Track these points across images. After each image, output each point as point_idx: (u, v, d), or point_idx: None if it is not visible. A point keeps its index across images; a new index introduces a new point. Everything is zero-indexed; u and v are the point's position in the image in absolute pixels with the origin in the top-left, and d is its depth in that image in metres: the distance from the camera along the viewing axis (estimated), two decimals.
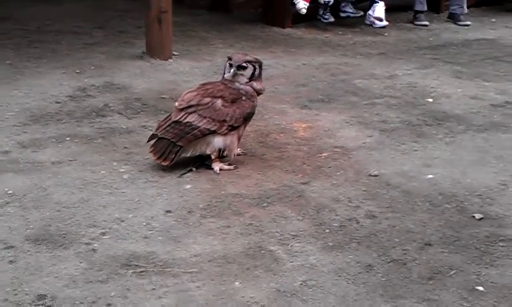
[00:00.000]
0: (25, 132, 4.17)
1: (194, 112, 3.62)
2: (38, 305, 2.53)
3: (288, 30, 7.23)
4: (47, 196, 3.36)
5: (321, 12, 7.33)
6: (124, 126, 4.33)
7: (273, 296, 2.63)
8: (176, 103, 3.70)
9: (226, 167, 3.75)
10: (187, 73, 5.55)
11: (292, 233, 3.10)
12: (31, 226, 3.07)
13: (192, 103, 3.64)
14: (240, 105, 3.67)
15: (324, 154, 4.01)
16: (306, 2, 7.00)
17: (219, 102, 3.63)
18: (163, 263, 2.82)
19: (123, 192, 3.44)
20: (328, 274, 2.79)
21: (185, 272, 2.76)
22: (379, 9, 7.47)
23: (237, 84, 3.72)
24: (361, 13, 7.74)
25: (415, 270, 2.84)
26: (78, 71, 5.45)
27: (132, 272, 2.75)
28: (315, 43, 6.79)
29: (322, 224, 3.19)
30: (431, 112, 4.79)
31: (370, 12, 7.55)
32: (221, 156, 3.76)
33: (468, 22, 7.88)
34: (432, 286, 2.73)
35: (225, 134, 3.65)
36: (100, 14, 7.60)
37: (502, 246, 3.04)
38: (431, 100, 5.07)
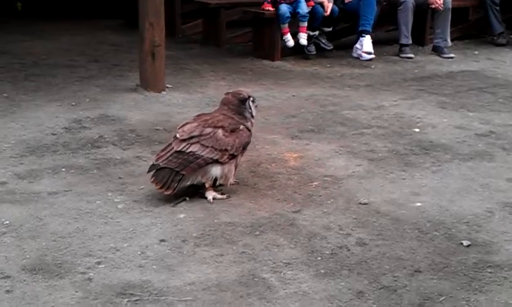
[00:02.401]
0: (21, 164, 4.15)
1: (197, 142, 3.62)
2: None
3: (277, 63, 7.27)
4: (43, 226, 3.33)
5: (307, 45, 7.35)
6: (118, 157, 4.32)
7: None
8: (177, 135, 3.68)
9: (219, 196, 3.74)
10: (180, 105, 5.55)
11: (285, 261, 3.08)
12: (27, 256, 3.04)
13: (195, 133, 3.65)
14: (239, 135, 3.71)
15: (315, 183, 4.01)
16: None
17: (220, 131, 3.65)
18: (158, 292, 2.79)
19: (118, 222, 3.42)
20: (320, 301, 2.77)
21: (179, 301, 2.73)
22: (366, 43, 7.52)
23: (247, 114, 3.81)
24: (332, 46, 7.81)
25: (406, 296, 2.83)
26: (73, 103, 5.45)
27: (127, 301, 2.72)
28: (304, 76, 6.83)
29: (313, 252, 3.18)
30: (418, 142, 4.80)
31: (357, 46, 7.60)
32: (216, 185, 3.75)
33: (452, 55, 7.95)
34: None
35: (224, 163, 3.65)
36: (95, 48, 7.63)
37: (490, 272, 3.03)
38: (417, 129, 5.08)
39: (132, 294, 2.76)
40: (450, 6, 8.02)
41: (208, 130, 3.65)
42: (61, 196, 3.71)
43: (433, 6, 7.94)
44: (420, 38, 8.27)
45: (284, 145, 4.69)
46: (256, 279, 2.92)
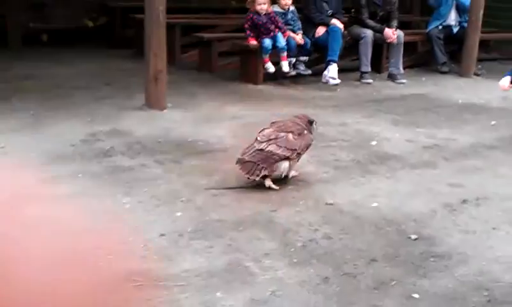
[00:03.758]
0: (45, 170, 4.11)
1: (274, 143, 3.87)
2: None
3: (260, 86, 7.26)
4: (62, 223, 3.30)
5: (287, 68, 7.34)
6: (126, 165, 4.29)
7: (248, 304, 2.60)
8: (258, 138, 3.94)
9: (273, 186, 3.92)
10: (179, 121, 5.53)
11: (264, 252, 3.08)
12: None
13: (272, 136, 3.91)
14: (305, 138, 4.01)
15: (290, 187, 4.01)
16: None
17: (290, 135, 3.93)
18: (157, 278, 2.78)
19: (124, 219, 3.40)
20: (292, 286, 2.77)
21: (176, 285, 2.72)
22: (332, 70, 7.54)
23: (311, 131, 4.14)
24: (310, 72, 7.79)
25: (363, 281, 2.83)
26: (89, 119, 5.42)
27: (132, 286, 2.70)
28: (282, 97, 6.82)
29: (288, 244, 3.18)
30: (375, 153, 4.81)
31: (325, 72, 7.61)
32: (282, 177, 3.99)
33: (404, 80, 7.97)
34: (377, 294, 2.72)
35: (292, 159, 3.92)
36: (108, 73, 7.59)
37: (433, 261, 3.05)
38: (375, 143, 5.09)
39: (135, 280, 2.75)
40: (402, 40, 8.05)
41: (282, 134, 3.92)
42: (78, 197, 3.69)
43: (389, 40, 7.99)
44: (377, 66, 8.29)
45: None
46: (240, 267, 2.91)
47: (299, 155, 3.97)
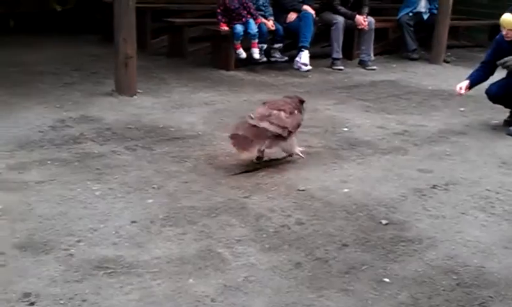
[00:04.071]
0: (13, 157, 4.04)
1: (267, 120, 3.95)
2: (24, 302, 2.45)
3: (232, 72, 7.23)
4: (31, 210, 3.26)
5: (258, 56, 7.32)
6: (96, 151, 4.24)
7: (220, 290, 2.61)
8: (252, 115, 4.00)
9: (300, 153, 4.22)
10: (149, 107, 5.48)
11: (236, 238, 3.08)
12: (18, 236, 2.97)
13: (265, 114, 4.00)
14: (295, 117, 4.12)
15: (262, 173, 4.01)
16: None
17: (282, 113, 4.02)
18: (129, 265, 2.76)
19: (95, 206, 3.36)
20: (265, 271, 2.78)
21: (147, 272, 2.71)
22: (304, 56, 7.55)
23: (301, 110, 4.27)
24: (286, 58, 7.79)
25: (335, 266, 2.86)
26: (58, 105, 5.33)
27: (103, 273, 2.69)
28: (253, 83, 6.81)
29: (260, 230, 3.19)
30: (346, 139, 4.84)
31: (297, 58, 7.62)
32: (283, 157, 4.21)
33: (375, 67, 8.03)
34: (348, 279, 2.75)
35: (286, 138, 4.04)
36: (77, 58, 7.47)
37: (403, 246, 3.09)
38: (346, 129, 5.13)
39: (107, 267, 2.73)
40: (373, 27, 8.09)
41: (275, 112, 4.01)
42: (47, 184, 3.63)
43: (360, 27, 8.02)
44: (348, 53, 8.33)
45: None
46: (212, 254, 2.91)
47: (290, 133, 4.06)
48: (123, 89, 5.76)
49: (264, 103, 4.23)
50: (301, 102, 4.31)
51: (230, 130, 4.04)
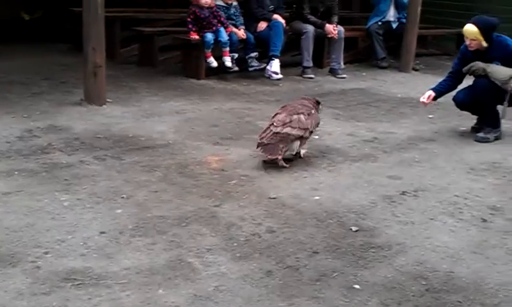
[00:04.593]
0: None
1: (289, 125, 4.22)
2: None
3: (202, 81, 7.22)
4: None
5: (230, 64, 7.31)
6: (65, 162, 4.19)
7: (191, 300, 2.59)
8: (274, 123, 4.27)
9: (284, 164, 4.30)
10: (119, 116, 5.43)
11: (207, 247, 3.06)
12: None
13: (286, 121, 4.24)
14: (313, 117, 4.41)
15: (233, 181, 4.00)
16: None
17: (302, 116, 4.29)
18: (98, 276, 2.73)
19: (63, 217, 3.31)
20: (235, 280, 2.77)
21: (116, 283, 2.68)
22: (275, 65, 7.57)
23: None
24: (264, 65, 7.77)
25: (306, 274, 2.86)
26: (26, 115, 5.25)
27: (71, 285, 2.65)
28: (224, 92, 6.81)
29: (231, 239, 3.17)
30: (317, 147, 4.86)
31: (268, 67, 7.64)
32: (296, 153, 4.44)
33: (345, 75, 8.09)
34: (319, 286, 2.76)
35: (305, 138, 4.34)
36: (46, 67, 7.37)
37: (373, 252, 3.11)
38: (316, 136, 5.12)
39: (75, 279, 2.69)
40: (343, 36, 8.16)
41: (295, 116, 4.27)
42: (14, 195, 3.57)
43: (330, 36, 8.08)
44: (319, 61, 8.37)
45: (207, 150, 4.66)
46: (182, 263, 2.89)
47: (310, 132, 4.39)
48: (92, 98, 5.70)
49: (283, 107, 4.48)
50: (318, 102, 4.61)
51: (257, 141, 4.30)
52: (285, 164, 4.27)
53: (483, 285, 2.84)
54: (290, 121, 4.25)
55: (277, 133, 4.21)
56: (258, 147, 4.26)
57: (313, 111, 4.43)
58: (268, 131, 4.26)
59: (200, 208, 3.54)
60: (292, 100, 6.46)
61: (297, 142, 4.32)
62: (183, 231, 3.23)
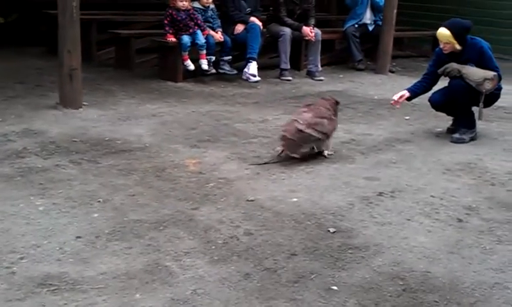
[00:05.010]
0: None
1: (313, 127, 4.46)
2: None
3: (180, 84, 7.19)
4: None
5: (207, 67, 7.29)
6: (40, 166, 4.14)
7: (168, 304, 2.57)
8: (299, 120, 4.47)
9: (330, 152, 4.69)
10: (95, 120, 5.39)
11: (184, 251, 3.05)
12: None
13: (311, 122, 4.47)
14: (333, 122, 4.66)
15: (211, 184, 3.99)
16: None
17: (325, 121, 4.55)
18: (74, 281, 2.69)
19: (38, 222, 3.27)
20: (213, 283, 2.76)
21: (93, 288, 2.65)
22: (252, 67, 7.58)
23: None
24: (236, 71, 7.77)
25: (284, 275, 2.86)
26: (0, 120, 5.18)
27: (47, 291, 2.62)
28: (202, 95, 6.79)
29: (209, 242, 3.16)
30: None
31: (246, 69, 7.64)
32: (321, 151, 4.66)
33: (322, 78, 8.12)
34: (297, 288, 2.76)
35: (323, 140, 4.58)
36: (21, 71, 7.29)
37: (351, 253, 3.12)
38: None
39: (51, 284, 2.66)
40: (320, 38, 8.19)
41: (318, 119, 4.51)
42: None
43: (307, 38, 8.11)
44: (296, 64, 8.40)
45: (185, 153, 4.63)
46: (160, 267, 2.87)
47: (328, 137, 4.62)
48: (68, 101, 5.65)
49: (308, 105, 4.70)
50: (337, 103, 4.83)
51: (281, 131, 4.54)
52: (297, 156, 4.50)
53: (459, 285, 2.86)
54: (315, 124, 4.47)
55: (301, 131, 4.41)
56: (280, 139, 4.50)
57: (333, 117, 4.67)
58: (292, 126, 4.46)
59: (177, 211, 3.52)
60: (268, 103, 6.54)
61: (312, 144, 4.58)
62: (160, 234, 3.21)
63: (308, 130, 4.43)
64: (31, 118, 5.31)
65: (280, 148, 4.52)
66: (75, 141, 4.71)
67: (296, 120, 4.50)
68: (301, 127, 4.42)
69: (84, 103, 5.78)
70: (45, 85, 6.53)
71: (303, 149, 4.52)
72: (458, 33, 5.04)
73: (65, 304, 2.53)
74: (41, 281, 2.68)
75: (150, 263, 2.90)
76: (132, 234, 3.19)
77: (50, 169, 4.08)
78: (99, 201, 3.59)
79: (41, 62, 7.84)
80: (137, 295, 2.62)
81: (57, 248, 2.99)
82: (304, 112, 4.59)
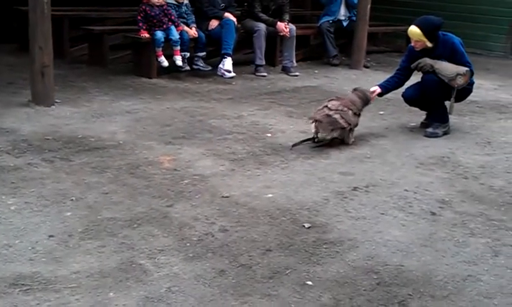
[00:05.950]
0: None
1: (339, 114, 4.82)
2: None
3: (154, 80, 7.13)
4: None
5: (181, 63, 7.25)
6: (12, 164, 4.08)
7: (142, 302, 2.56)
8: (329, 105, 4.86)
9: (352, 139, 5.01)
10: (68, 117, 5.32)
11: (159, 248, 3.04)
12: None
13: (339, 108, 4.85)
14: (356, 117, 4.98)
15: (185, 181, 3.98)
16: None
17: (351, 112, 4.91)
18: (46, 281, 2.67)
19: (10, 222, 3.23)
20: (188, 280, 2.75)
21: (65, 288, 2.63)
22: (227, 63, 7.56)
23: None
24: (210, 68, 7.75)
25: (259, 271, 2.87)
26: None
27: (19, 291, 2.59)
28: (176, 91, 6.75)
29: (183, 239, 3.15)
30: (270, 145, 4.88)
31: (220, 65, 7.62)
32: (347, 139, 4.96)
33: (297, 73, 8.13)
34: (272, 283, 2.77)
35: (347, 130, 4.88)
36: None
37: (326, 248, 3.14)
38: (270, 134, 5.16)
39: (23, 284, 2.63)
40: (295, 34, 8.20)
41: (346, 109, 4.88)
42: None
43: (281, 34, 8.12)
44: (271, 59, 8.38)
45: (159, 150, 4.61)
46: (134, 266, 2.86)
47: (351, 129, 4.93)
48: (40, 99, 5.57)
49: (338, 97, 5.06)
50: (367, 102, 5.16)
51: (311, 116, 4.92)
52: (328, 137, 4.82)
53: (433, 277, 2.90)
54: (342, 111, 4.83)
55: (329, 115, 4.77)
56: (310, 119, 4.88)
57: (358, 112, 5.00)
58: (322, 111, 4.84)
59: (151, 208, 3.50)
60: (243, 99, 6.54)
61: (338, 132, 4.82)
62: (134, 232, 3.19)
63: (336, 116, 4.78)
64: (2, 115, 5.22)
65: (313, 130, 4.80)
66: (48, 139, 4.65)
67: (326, 106, 4.86)
68: (329, 112, 4.80)
69: (57, 100, 5.71)
70: (17, 82, 6.43)
71: (333, 134, 4.79)
72: (429, 31, 5.09)
73: (38, 304, 2.50)
74: (13, 281, 2.65)
75: (123, 262, 2.88)
76: (105, 232, 3.17)
77: (22, 168, 4.02)
78: (72, 200, 3.55)
79: (12, 59, 7.72)
80: (111, 294, 2.60)
81: (30, 247, 2.96)
82: (333, 100, 4.97)
